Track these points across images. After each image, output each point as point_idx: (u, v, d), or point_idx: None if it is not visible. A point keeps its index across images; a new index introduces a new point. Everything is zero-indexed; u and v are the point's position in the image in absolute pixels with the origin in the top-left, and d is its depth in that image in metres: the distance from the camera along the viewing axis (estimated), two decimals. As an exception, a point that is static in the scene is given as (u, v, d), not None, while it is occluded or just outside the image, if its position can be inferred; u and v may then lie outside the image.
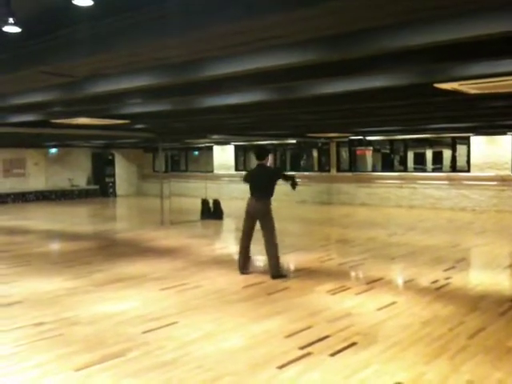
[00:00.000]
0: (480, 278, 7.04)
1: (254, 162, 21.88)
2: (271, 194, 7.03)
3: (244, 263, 7.18)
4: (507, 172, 14.90)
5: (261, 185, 7.03)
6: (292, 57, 3.90)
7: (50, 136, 14.14)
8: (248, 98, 6.40)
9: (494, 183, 15.03)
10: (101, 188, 22.24)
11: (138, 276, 7.11)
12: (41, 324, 5.07)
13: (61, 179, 21.42)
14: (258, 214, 7.01)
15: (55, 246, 10.59)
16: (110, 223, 14.49)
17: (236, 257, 7.47)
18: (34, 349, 4.43)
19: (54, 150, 21.02)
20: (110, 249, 9.71)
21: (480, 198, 15.30)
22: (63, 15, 3.51)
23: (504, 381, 3.70)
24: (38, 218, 15.39)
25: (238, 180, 20.43)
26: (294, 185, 7.14)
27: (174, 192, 16.54)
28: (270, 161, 7.36)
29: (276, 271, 6.88)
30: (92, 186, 22.28)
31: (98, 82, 5.18)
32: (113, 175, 22.61)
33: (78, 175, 22.12)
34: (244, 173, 8.01)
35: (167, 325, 5.01)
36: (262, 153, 7.23)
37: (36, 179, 20.81)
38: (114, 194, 22.50)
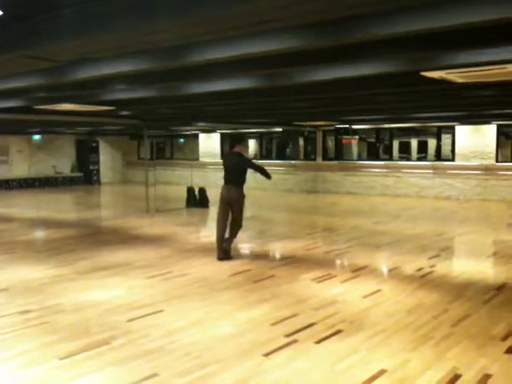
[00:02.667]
0: (464, 266, 7.12)
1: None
2: (243, 182, 7.22)
3: (222, 249, 7.30)
4: (491, 161, 15.03)
5: (234, 172, 7.16)
6: (280, 43, 3.85)
7: (34, 122, 13.94)
8: (235, 85, 6.34)
9: (479, 172, 15.16)
10: (85, 175, 22.04)
11: (122, 264, 7.07)
12: (26, 312, 5.02)
13: (45, 166, 21.19)
14: (232, 201, 7.13)
15: (39, 234, 10.49)
16: (95, 211, 14.38)
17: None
18: (19, 337, 4.39)
19: (37, 137, 20.76)
20: (94, 237, 9.64)
21: (464, 187, 15.43)
22: (47, -2, 3.43)
23: (488, 367, 3.74)
24: (22, 206, 15.22)
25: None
26: (266, 175, 7.25)
27: (159, 180, 16.46)
28: (247, 149, 7.43)
29: (224, 254, 7.17)
30: (76, 174, 22.08)
31: (82, 67, 5.09)
32: (97, 162, 22.41)
33: (62, 162, 21.89)
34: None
35: (153, 313, 4.99)
36: (236, 140, 7.31)
37: (19, 166, 20.56)
38: (99, 182, 22.32)
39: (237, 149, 7.29)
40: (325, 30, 3.64)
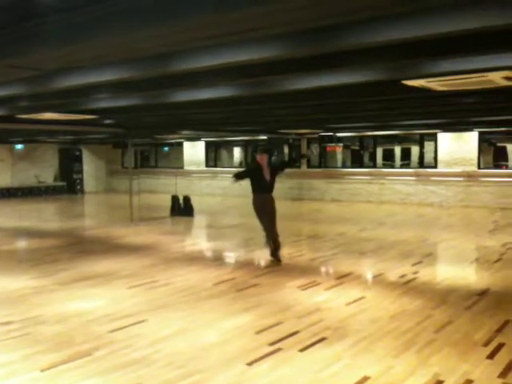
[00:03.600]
0: (447, 273, 7.17)
1: (225, 159, 21.81)
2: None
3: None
4: (473, 168, 15.20)
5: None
6: (263, 52, 3.88)
7: (16, 131, 13.82)
8: (219, 93, 6.35)
9: (461, 179, 15.32)
10: (68, 184, 21.86)
11: (106, 274, 7.01)
12: (7, 323, 4.95)
13: (27, 176, 20.99)
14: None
15: (21, 244, 10.37)
16: (78, 220, 14.26)
17: (208, 253, 7.44)
18: (1, 348, 4.33)
19: (20, 146, 20.56)
20: (77, 246, 9.56)
21: (447, 194, 15.58)
22: (31, 6, 3.41)
23: (470, 373, 3.77)
24: (4, 216, 15.04)
25: (209, 176, 20.39)
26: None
27: (143, 188, 16.40)
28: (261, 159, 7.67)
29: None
30: (59, 183, 21.88)
31: (65, 75, 5.07)
32: (80, 171, 22.23)
33: (45, 172, 21.70)
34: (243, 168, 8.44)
35: (136, 323, 4.96)
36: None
37: (1, 176, 20.33)
38: (82, 191, 22.14)
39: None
40: (308, 38, 3.67)
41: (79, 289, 6.25)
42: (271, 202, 7.47)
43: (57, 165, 22.20)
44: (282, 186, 18.32)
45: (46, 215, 15.57)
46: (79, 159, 22.27)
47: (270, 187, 7.48)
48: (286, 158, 19.02)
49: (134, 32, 3.31)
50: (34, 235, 10.85)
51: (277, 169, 7.79)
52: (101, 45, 3.62)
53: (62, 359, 4.07)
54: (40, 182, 21.27)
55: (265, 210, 7.40)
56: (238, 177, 7.71)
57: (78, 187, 22.02)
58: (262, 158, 7.55)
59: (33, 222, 13.20)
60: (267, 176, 7.46)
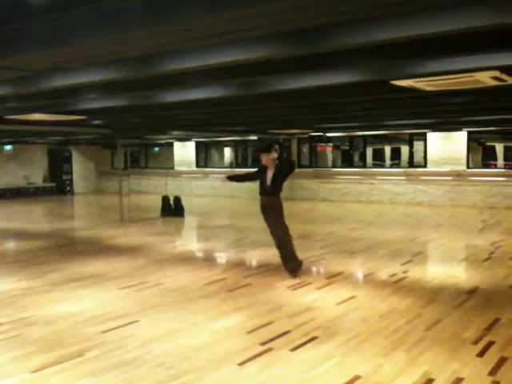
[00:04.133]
0: (436, 271, 7.22)
1: (215, 159, 21.73)
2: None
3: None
4: (462, 167, 15.31)
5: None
6: (253, 52, 3.88)
7: (4, 132, 13.73)
8: (209, 94, 6.35)
9: (450, 178, 15.42)
10: (58, 185, 21.74)
11: (96, 275, 6.99)
12: (-4, 325, 4.93)
13: (16, 177, 20.85)
14: None
15: (10, 245, 10.30)
16: (68, 221, 14.19)
17: (199, 254, 7.43)
18: (-11, 351, 4.31)
19: (8, 147, 20.41)
20: (67, 248, 9.51)
21: (436, 193, 15.68)
22: (18, 7, 3.40)
23: (460, 371, 3.80)
24: (-7, 217, 14.93)
25: (200, 177, 20.37)
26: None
27: (133, 189, 16.33)
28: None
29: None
30: (48, 184, 21.75)
31: (53, 76, 5.05)
32: (70, 172, 22.12)
33: (34, 172, 21.56)
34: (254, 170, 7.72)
35: (127, 324, 4.95)
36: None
37: (-10, 177, 20.19)
38: (72, 192, 22.03)
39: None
40: (297, 39, 3.68)
41: (69, 290, 6.23)
42: (271, 205, 6.84)
43: (46, 166, 22.07)
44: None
45: (35, 216, 15.48)
46: (69, 160, 22.15)
47: (270, 189, 6.81)
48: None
49: (122, 33, 3.31)
50: (23, 236, 10.78)
51: (282, 169, 6.89)
52: (88, 46, 3.61)
53: (52, 360, 4.06)
54: (29, 183, 21.14)
55: (265, 213, 6.90)
56: (232, 178, 7.52)
57: (68, 188, 21.91)
58: (263, 158, 6.93)
59: (22, 223, 13.12)
60: (268, 177, 6.83)
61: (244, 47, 3.89)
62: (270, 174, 6.85)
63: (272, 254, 8.15)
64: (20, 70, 4.64)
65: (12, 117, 9.10)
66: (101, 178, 23.56)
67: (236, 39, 3.76)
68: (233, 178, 7.63)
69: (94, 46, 3.68)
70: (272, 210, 6.84)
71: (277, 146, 7.16)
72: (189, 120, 11.28)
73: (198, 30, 3.35)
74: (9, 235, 11.31)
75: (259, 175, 7.00)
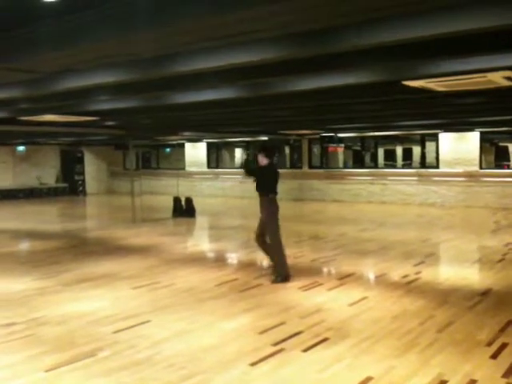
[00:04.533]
0: (449, 273, 7.17)
1: (226, 160, 21.76)
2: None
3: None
4: (475, 168, 15.19)
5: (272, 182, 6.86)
6: (264, 53, 3.89)
7: (18, 133, 13.85)
8: (219, 95, 6.37)
9: (462, 179, 15.31)
10: (70, 186, 21.89)
11: (108, 275, 7.02)
12: (11, 325, 4.96)
13: (29, 177, 21.02)
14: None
15: (24, 246, 10.39)
16: (80, 222, 14.28)
17: (210, 254, 7.43)
18: (4, 350, 4.34)
19: (21, 148, 20.59)
20: (79, 248, 9.57)
21: (449, 194, 15.57)
22: (29, 10, 3.43)
23: (473, 373, 3.76)
24: (6, 218, 15.07)
25: (211, 177, 20.39)
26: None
27: (145, 190, 16.40)
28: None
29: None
30: (61, 184, 21.91)
31: (65, 78, 5.09)
32: (82, 173, 22.27)
33: (47, 173, 21.73)
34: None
35: (138, 324, 4.96)
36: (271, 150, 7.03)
37: (3, 178, 20.37)
38: (84, 192, 22.17)
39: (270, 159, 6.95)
40: (308, 40, 3.68)
41: (82, 290, 6.26)
42: (261, 204, 6.86)
43: (58, 166, 22.23)
44: (283, 188, 18.35)
45: (47, 217, 15.59)
46: (81, 161, 22.30)
47: (259, 187, 6.81)
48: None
49: (131, 35, 3.33)
50: (36, 237, 10.86)
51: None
52: (98, 48, 3.63)
53: (65, 360, 4.08)
54: (42, 184, 21.30)
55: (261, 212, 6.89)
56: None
57: (80, 189, 22.05)
58: (257, 158, 7.00)
59: (35, 223, 13.22)
60: (260, 176, 6.86)
61: (254, 49, 3.90)
62: (262, 172, 6.88)
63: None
64: (32, 72, 4.68)
65: (25, 118, 9.17)
66: (113, 178, 23.69)
67: (246, 41, 3.77)
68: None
69: (104, 48, 3.70)
70: (261, 210, 6.87)
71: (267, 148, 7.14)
72: (200, 121, 11.31)
73: (207, 32, 3.36)
74: (22, 235, 11.40)
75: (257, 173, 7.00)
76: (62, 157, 22.18)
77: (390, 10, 3.15)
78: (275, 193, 6.76)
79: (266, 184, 6.78)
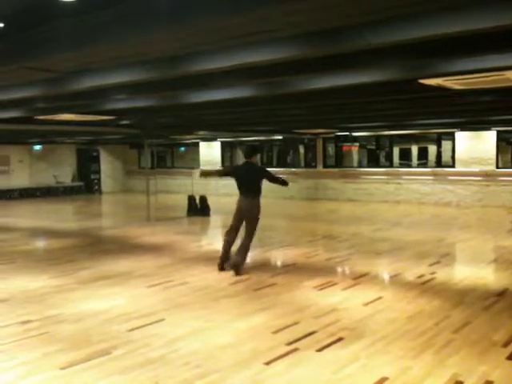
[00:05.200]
0: (465, 273, 7.11)
1: (240, 159, 21.80)
2: (259, 192, 6.99)
3: (225, 259, 7.10)
4: (491, 167, 15.04)
5: (249, 182, 7.00)
6: (279, 52, 3.89)
7: (34, 132, 13.99)
8: (234, 94, 6.37)
9: (479, 178, 15.16)
10: (86, 185, 22.07)
11: (123, 273, 7.07)
12: (27, 322, 5.02)
13: (45, 176, 21.23)
14: (247, 212, 6.96)
15: (40, 244, 10.50)
16: (96, 220, 14.39)
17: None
18: (20, 347, 4.39)
19: (38, 147, 20.80)
20: (95, 246, 9.65)
21: (465, 193, 15.43)
22: (46, 10, 3.46)
23: (489, 374, 3.73)
24: (23, 216, 15.24)
25: (225, 176, 20.40)
26: (284, 183, 7.15)
27: (160, 188, 16.48)
28: (257, 160, 7.28)
29: (237, 266, 6.84)
30: (77, 183, 22.10)
31: (82, 77, 5.13)
32: (98, 172, 22.43)
33: (63, 172, 21.92)
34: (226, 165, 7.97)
35: (153, 322, 4.99)
36: (250, 151, 7.19)
37: (20, 176, 20.59)
38: (100, 191, 22.33)
39: (254, 159, 7.14)
40: (322, 39, 3.67)
41: (97, 288, 6.31)
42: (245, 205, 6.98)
43: (75, 165, 22.41)
44: (297, 187, 18.37)
45: (64, 215, 15.73)
46: (97, 159, 22.48)
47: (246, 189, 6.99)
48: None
49: (147, 35, 3.34)
50: (53, 235, 10.97)
51: (262, 173, 7.18)
52: (115, 47, 3.66)
53: (81, 358, 4.12)
54: (58, 183, 21.50)
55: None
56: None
57: (96, 187, 22.22)
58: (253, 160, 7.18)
59: (51, 221, 13.34)
60: (247, 176, 7.00)
61: (269, 48, 3.90)
62: (249, 173, 7.05)
63: (297, 254, 8.15)
64: (49, 71, 4.72)
65: (41, 117, 9.26)
66: (128, 177, 23.82)
67: (261, 40, 3.77)
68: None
69: (121, 48, 3.72)
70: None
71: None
72: (214, 120, 11.33)
73: (223, 32, 3.36)
74: (39, 233, 11.52)
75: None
76: (78, 155, 22.37)
77: (404, 9, 3.13)
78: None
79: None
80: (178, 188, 20.19)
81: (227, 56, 4.11)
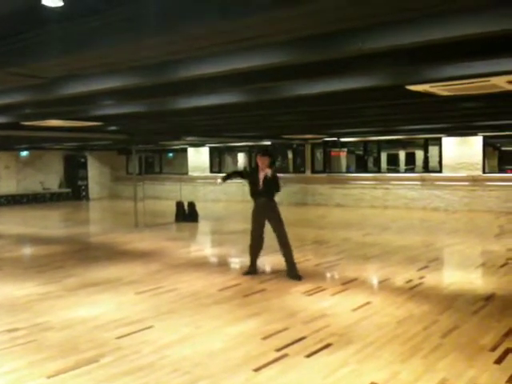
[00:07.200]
0: (453, 277, 7.15)
1: (229, 164, 21.81)
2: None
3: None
4: (478, 172, 15.17)
5: (265, 185, 7.01)
6: (268, 58, 3.90)
7: (21, 138, 13.88)
8: (222, 100, 6.38)
9: (466, 183, 15.28)
10: (73, 191, 21.93)
11: (111, 280, 7.02)
12: (13, 330, 4.96)
13: (32, 182, 21.07)
14: (271, 213, 7.03)
15: (27, 251, 10.40)
16: (83, 227, 14.30)
17: (214, 259, 7.43)
18: (7, 355, 4.34)
19: (25, 153, 20.64)
20: (83, 253, 9.58)
21: (452, 198, 15.54)
22: (33, 16, 3.44)
23: (477, 378, 3.75)
24: (10, 223, 15.10)
25: (214, 182, 20.38)
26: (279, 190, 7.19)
27: (148, 194, 16.41)
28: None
29: (295, 276, 6.91)
30: (64, 189, 21.96)
31: (70, 83, 5.10)
32: (85, 178, 22.31)
33: (50, 178, 21.77)
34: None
35: (142, 329, 4.96)
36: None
37: (7, 183, 20.41)
38: (87, 197, 22.20)
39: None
40: (310, 44, 3.69)
41: (85, 295, 6.26)
42: (265, 208, 7.05)
43: (62, 171, 22.27)
44: (285, 192, 18.38)
45: (51, 222, 15.61)
46: (84, 166, 22.35)
47: (263, 192, 6.99)
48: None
49: (136, 41, 3.33)
50: (40, 242, 10.87)
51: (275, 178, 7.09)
52: (103, 53, 3.64)
53: (68, 366, 4.08)
54: (45, 189, 21.34)
55: (258, 217, 7.11)
56: (226, 177, 7.55)
57: (83, 194, 22.09)
58: (260, 160, 7.06)
59: (38, 228, 13.24)
60: (261, 180, 6.98)
61: (257, 54, 3.91)
62: (262, 176, 6.98)
63: (286, 260, 8.13)
64: (36, 77, 4.69)
65: (29, 123, 9.20)
66: (116, 183, 23.71)
67: (250, 46, 3.78)
68: (226, 177, 7.61)
69: (109, 54, 3.71)
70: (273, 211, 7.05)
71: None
72: (203, 126, 11.32)
73: (213, 38, 3.37)
74: (25, 240, 11.42)
75: (252, 176, 7.16)
76: (66, 162, 22.23)
77: (393, 15, 3.15)
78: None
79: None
80: (167, 194, 20.14)
81: (216, 62, 4.11)
